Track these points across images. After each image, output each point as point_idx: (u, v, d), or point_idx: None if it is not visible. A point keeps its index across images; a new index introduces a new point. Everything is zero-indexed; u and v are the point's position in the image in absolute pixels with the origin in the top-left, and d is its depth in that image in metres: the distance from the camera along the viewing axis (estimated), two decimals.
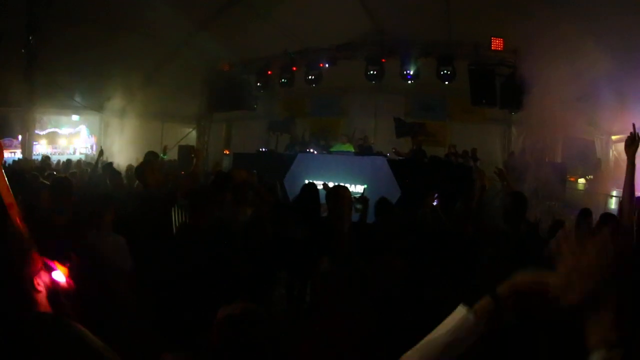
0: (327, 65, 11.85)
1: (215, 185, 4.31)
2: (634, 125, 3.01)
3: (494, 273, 2.52)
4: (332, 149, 11.00)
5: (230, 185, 4.32)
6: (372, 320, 1.85)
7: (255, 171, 5.66)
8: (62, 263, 2.30)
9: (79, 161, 11.81)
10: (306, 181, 6.68)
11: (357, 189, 8.65)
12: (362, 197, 4.49)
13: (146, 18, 10.39)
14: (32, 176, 5.66)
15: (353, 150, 10.45)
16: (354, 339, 1.78)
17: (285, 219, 4.47)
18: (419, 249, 3.40)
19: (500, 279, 2.27)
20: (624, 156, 3.10)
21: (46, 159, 11.66)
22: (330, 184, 6.32)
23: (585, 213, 4.95)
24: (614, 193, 8.86)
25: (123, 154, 11.82)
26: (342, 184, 5.82)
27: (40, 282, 2.20)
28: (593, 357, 0.96)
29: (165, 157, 6.64)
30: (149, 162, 4.68)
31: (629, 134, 2.99)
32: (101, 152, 7.60)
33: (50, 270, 2.30)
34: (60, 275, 2.24)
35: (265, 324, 1.72)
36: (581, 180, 10.92)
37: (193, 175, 4.53)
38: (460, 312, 1.15)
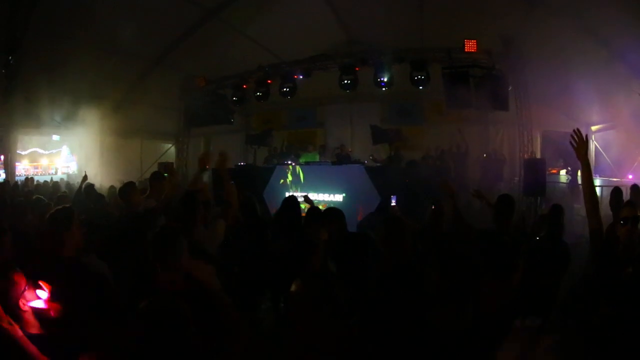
0: (301, 77, 11.76)
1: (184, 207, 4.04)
2: (578, 130, 2.95)
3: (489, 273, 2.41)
4: (301, 159, 11.15)
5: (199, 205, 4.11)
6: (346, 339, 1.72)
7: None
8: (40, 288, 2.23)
9: (57, 182, 11.57)
10: (287, 194, 6.64)
11: (335, 198, 8.55)
12: None
13: (121, 36, 10.25)
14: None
15: (318, 159, 10.48)
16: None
17: (267, 234, 4.49)
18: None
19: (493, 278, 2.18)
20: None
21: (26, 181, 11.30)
22: (311, 195, 6.19)
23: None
24: (597, 182, 8.90)
25: (103, 172, 11.61)
26: (321, 194, 5.72)
27: (26, 303, 2.18)
28: None
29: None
30: (132, 183, 4.71)
31: (575, 141, 2.92)
32: (85, 177, 7.31)
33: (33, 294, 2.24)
34: (39, 302, 2.22)
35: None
36: (563, 172, 11.00)
37: (166, 195, 4.33)
38: None
